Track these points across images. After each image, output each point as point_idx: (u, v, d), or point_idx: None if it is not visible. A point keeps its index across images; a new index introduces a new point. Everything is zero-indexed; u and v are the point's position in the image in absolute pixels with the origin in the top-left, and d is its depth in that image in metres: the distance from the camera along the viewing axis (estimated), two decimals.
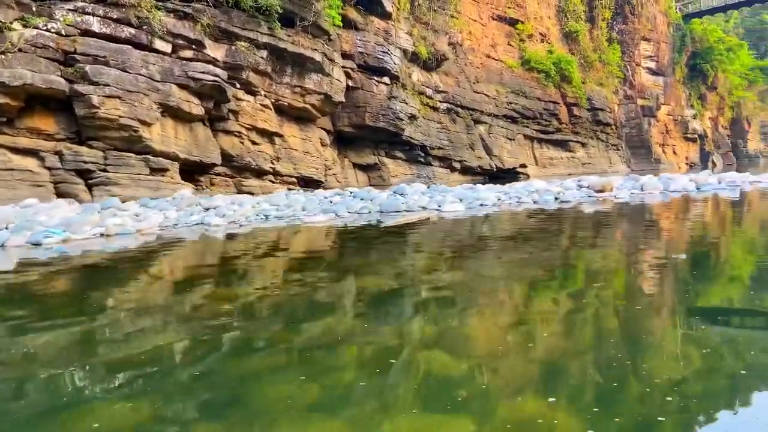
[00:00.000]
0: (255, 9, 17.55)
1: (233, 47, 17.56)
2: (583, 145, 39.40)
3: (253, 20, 17.84)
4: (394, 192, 15.24)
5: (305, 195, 16.32)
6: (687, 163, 55.09)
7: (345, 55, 23.23)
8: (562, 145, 37.91)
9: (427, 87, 28.11)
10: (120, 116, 14.64)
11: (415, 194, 13.81)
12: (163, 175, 15.91)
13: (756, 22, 74.97)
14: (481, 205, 11.45)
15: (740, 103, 65.61)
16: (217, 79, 16.55)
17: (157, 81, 15.49)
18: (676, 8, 50.78)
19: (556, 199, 10.25)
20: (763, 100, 74.90)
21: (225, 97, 17.24)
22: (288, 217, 12.26)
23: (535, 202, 10.18)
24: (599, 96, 39.81)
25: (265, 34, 18.21)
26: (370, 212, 12.77)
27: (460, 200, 11.42)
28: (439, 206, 11.53)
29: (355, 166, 25.90)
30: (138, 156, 15.38)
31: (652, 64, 47.86)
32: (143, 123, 15.17)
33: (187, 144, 16.98)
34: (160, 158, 15.80)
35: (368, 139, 25.70)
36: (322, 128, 23.54)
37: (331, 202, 14.54)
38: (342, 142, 25.28)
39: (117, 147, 15.05)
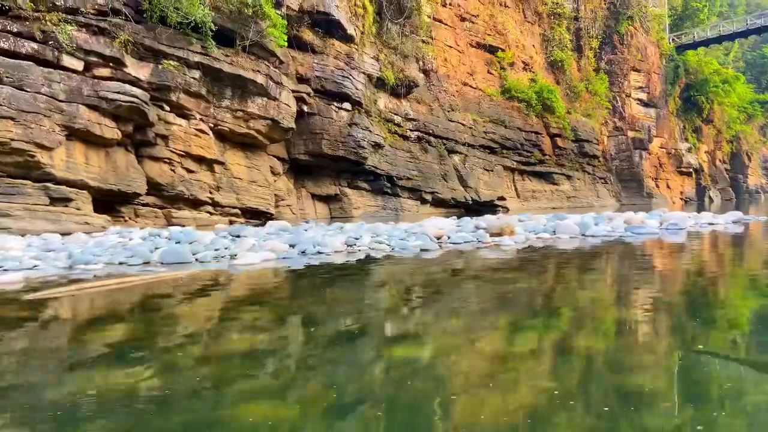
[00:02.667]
0: (185, 25, 16.09)
1: (159, 66, 16.07)
2: (569, 177, 37.79)
3: (183, 38, 16.39)
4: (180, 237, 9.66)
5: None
6: (682, 198, 53.35)
7: (300, 79, 21.80)
8: (546, 177, 36.30)
9: (395, 114, 26.65)
10: (12, 139, 13.05)
11: (208, 238, 9.10)
12: (66, 206, 14.23)
13: (757, 56, 73.86)
14: (319, 252, 7.71)
15: (740, 137, 64.10)
16: (134, 99, 15.00)
17: (62, 101, 13.95)
18: (668, 39, 49.66)
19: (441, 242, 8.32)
20: (765, 135, 73.55)
21: (146, 119, 15.67)
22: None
23: (403, 249, 7.20)
24: (585, 127, 38.34)
25: (197, 52, 16.74)
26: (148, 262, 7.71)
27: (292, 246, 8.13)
28: (234, 256, 7.68)
29: (314, 197, 24.28)
30: (36, 184, 13.73)
31: (642, 96, 46.49)
32: (42, 147, 13.57)
33: (102, 171, 15.35)
34: (63, 187, 14.15)
35: (328, 168, 24.13)
36: (274, 156, 21.97)
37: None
38: (299, 171, 23.69)
39: (10, 174, 13.42)
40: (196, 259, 7.44)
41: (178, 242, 8.58)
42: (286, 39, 18.66)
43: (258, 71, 18.32)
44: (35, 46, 13.72)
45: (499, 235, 7.68)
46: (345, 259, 6.97)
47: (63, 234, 13.32)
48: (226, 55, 17.51)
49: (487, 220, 8.63)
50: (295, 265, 6.86)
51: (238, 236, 10.15)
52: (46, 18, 13.84)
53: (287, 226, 12.19)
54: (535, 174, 35.70)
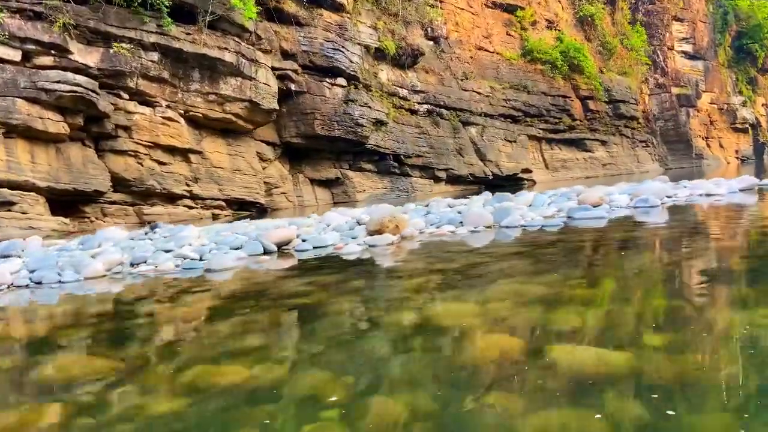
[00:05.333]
0: (137, 4, 14.55)
1: (110, 50, 14.61)
2: (603, 143, 34.74)
3: (135, 17, 14.86)
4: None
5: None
6: (738, 157, 48.99)
7: (286, 55, 20.03)
8: (577, 144, 33.43)
9: (400, 87, 24.54)
10: None
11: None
12: (9, 210, 13.05)
13: None
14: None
15: None
16: (76, 89, 13.61)
17: None
18: None
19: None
20: None
21: (97, 110, 14.28)
22: None
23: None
24: (621, 86, 35.06)
25: (152, 32, 15.21)
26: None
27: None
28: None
29: (313, 182, 22.59)
30: None
31: (688, 47, 42.50)
32: None
33: (52, 170, 14.11)
34: (4, 189, 12.95)
35: (327, 151, 22.36)
36: (262, 141, 20.38)
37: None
38: (294, 155, 22.03)
39: None
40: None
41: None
42: (255, 11, 16.83)
43: (226, 49, 16.65)
44: None
45: (379, 232, 5.75)
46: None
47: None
48: (187, 33, 15.90)
49: (373, 213, 6.71)
50: None
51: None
52: None
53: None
54: (565, 142, 32.89)
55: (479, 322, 2.98)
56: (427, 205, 8.38)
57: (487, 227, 6.05)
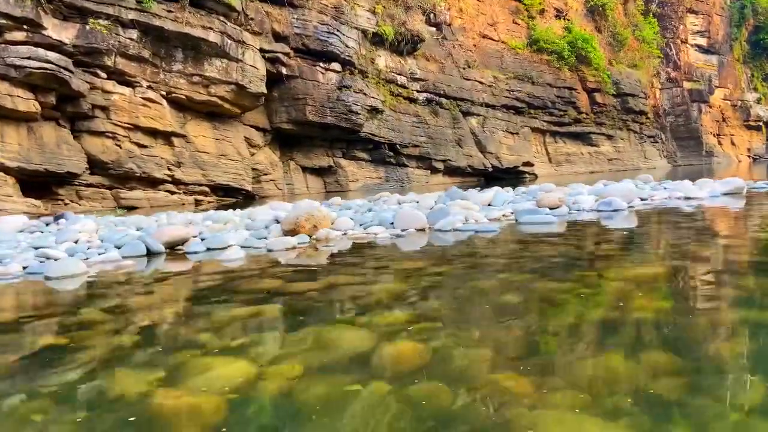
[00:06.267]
0: None
1: (86, 27, 13.99)
2: (610, 137, 33.82)
3: None
4: None
5: None
6: (750, 156, 47.78)
7: (278, 37, 19.33)
8: (583, 138, 32.54)
9: (398, 74, 23.79)
10: None
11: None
12: None
13: None
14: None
15: None
16: (46, 65, 13.01)
17: None
18: None
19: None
20: None
21: (69, 88, 13.68)
22: None
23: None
24: (630, 79, 34.03)
25: (131, 9, 14.56)
26: None
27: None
28: None
29: (305, 169, 21.95)
30: None
31: (702, 41, 41.26)
32: None
33: (23, 149, 13.56)
34: None
35: (319, 138, 21.70)
36: (252, 126, 19.75)
37: None
38: (286, 141, 21.38)
39: None
40: None
41: None
42: None
43: (210, 28, 15.98)
44: None
45: (294, 232, 5.06)
46: None
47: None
48: (169, 11, 15.23)
49: (289, 210, 5.98)
50: None
51: None
52: None
53: None
54: (570, 135, 32.00)
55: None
56: (383, 201, 7.66)
57: (419, 230, 5.35)
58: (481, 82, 27.07)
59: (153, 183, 16.55)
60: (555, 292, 2.80)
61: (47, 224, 7.71)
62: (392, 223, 5.29)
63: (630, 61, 35.42)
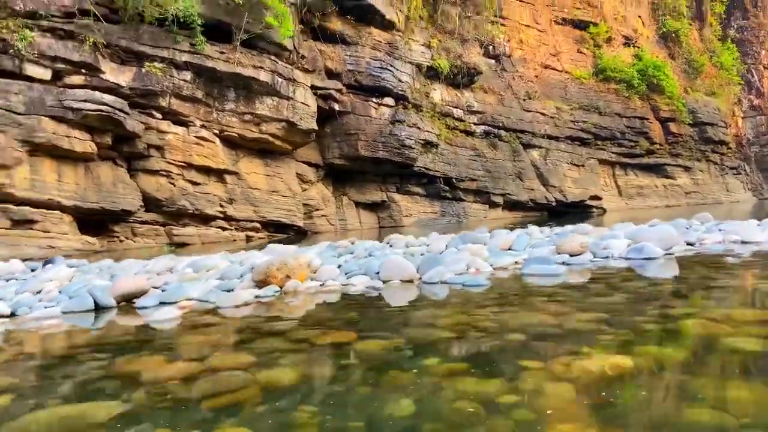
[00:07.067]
0: (170, 22, 14.39)
1: (142, 69, 14.51)
2: (687, 169, 31.77)
3: (168, 36, 14.71)
4: None
5: None
6: None
7: (331, 74, 19.47)
8: (656, 170, 30.73)
9: (454, 107, 23.41)
10: None
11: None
12: (30, 228, 13.04)
13: None
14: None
15: None
16: (102, 108, 13.51)
17: (20, 114, 12.75)
18: None
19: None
20: None
21: (124, 129, 14.16)
22: None
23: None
24: (708, 108, 32.03)
25: (185, 51, 15.00)
26: None
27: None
28: None
29: (358, 204, 21.78)
30: None
31: None
32: None
33: (80, 189, 14.07)
34: (26, 207, 12.97)
35: (372, 173, 21.53)
36: (304, 162, 19.84)
37: None
38: (339, 177, 21.34)
39: None
40: None
41: None
42: (291, 30, 16.34)
43: (261, 68, 16.22)
44: None
45: (265, 283, 4.54)
46: None
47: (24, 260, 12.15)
48: (221, 52, 15.60)
49: (274, 255, 5.37)
50: None
51: None
52: (4, 24, 12.68)
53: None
54: (642, 167, 30.32)
55: None
56: (389, 244, 7.07)
57: (406, 281, 4.76)
58: (542, 114, 26.21)
59: (205, 220, 16.79)
60: (469, 399, 2.08)
61: (33, 270, 7.34)
62: (377, 273, 4.79)
63: (708, 89, 33.42)
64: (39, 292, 4.91)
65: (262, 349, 2.91)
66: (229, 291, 4.54)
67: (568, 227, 7.82)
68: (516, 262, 5.21)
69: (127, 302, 4.37)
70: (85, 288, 4.51)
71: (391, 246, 6.91)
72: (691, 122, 31.01)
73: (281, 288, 4.54)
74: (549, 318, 3.17)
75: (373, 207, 22.02)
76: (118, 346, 3.28)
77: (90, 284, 4.72)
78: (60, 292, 4.72)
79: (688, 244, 6.05)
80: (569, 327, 2.97)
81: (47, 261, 8.60)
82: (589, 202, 27.02)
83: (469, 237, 6.73)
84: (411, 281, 4.66)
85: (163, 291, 4.60)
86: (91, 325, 3.91)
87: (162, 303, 4.22)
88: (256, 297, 4.29)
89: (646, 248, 5.21)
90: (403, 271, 4.72)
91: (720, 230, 6.86)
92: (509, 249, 6.10)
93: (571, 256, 5.37)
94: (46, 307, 4.26)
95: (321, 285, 4.71)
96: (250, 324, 3.62)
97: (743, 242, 6.12)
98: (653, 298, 3.60)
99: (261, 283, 4.61)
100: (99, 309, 4.17)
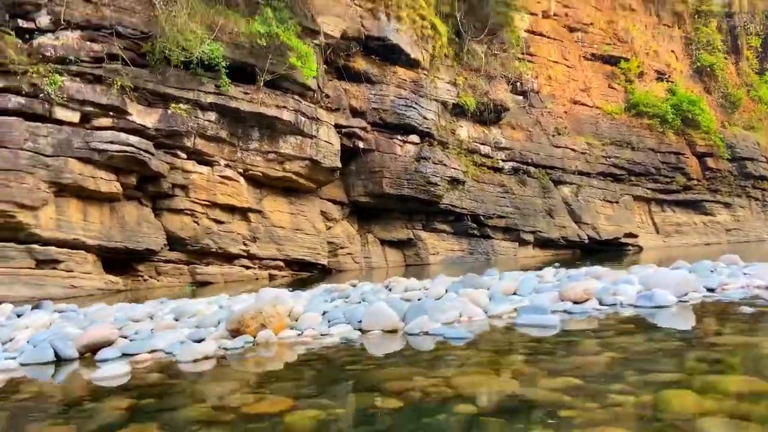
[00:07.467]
0: (195, 65, 14.69)
1: (168, 111, 14.78)
2: (727, 205, 30.61)
3: (194, 78, 15.00)
4: None
5: None
6: None
7: (355, 113, 19.56)
8: (695, 206, 29.69)
9: (482, 144, 23.19)
10: None
11: None
12: (54, 268, 13.18)
13: None
14: None
15: None
16: (127, 149, 13.74)
17: (48, 155, 13.05)
18: None
19: None
20: None
21: (149, 169, 14.35)
22: None
23: None
24: (747, 142, 31.03)
25: (210, 93, 15.25)
26: None
27: None
28: None
29: (384, 242, 21.55)
30: (20, 246, 12.85)
31: None
32: (23, 207, 12.68)
33: (104, 228, 14.24)
34: (51, 247, 13.14)
35: (398, 210, 21.34)
36: (329, 200, 19.81)
37: None
38: (364, 214, 21.21)
39: None
40: None
41: None
42: (314, 69, 16.50)
43: (284, 107, 16.37)
44: (22, 100, 13.02)
45: (238, 332, 4.24)
46: None
47: (46, 299, 12.26)
48: (245, 93, 15.81)
49: (257, 300, 5.02)
50: None
51: None
52: (35, 70, 13.11)
53: None
54: (680, 203, 29.33)
55: None
56: (388, 288, 6.70)
57: (389, 331, 4.40)
58: (573, 149, 25.74)
59: (228, 258, 16.77)
60: None
61: (19, 315, 7.15)
62: (360, 321, 4.48)
63: (746, 123, 32.45)
64: (10, 340, 4.77)
65: (172, 422, 2.63)
66: (199, 341, 4.31)
67: (583, 269, 7.36)
68: (515, 309, 4.83)
69: (93, 353, 4.17)
70: (51, 338, 4.33)
71: (390, 290, 6.60)
72: (729, 157, 30.02)
73: (254, 338, 4.28)
74: (513, 384, 2.81)
75: (398, 245, 21.75)
76: (24, 410, 3.05)
77: (60, 333, 4.54)
78: (28, 341, 4.57)
79: (709, 290, 5.55)
80: (529, 397, 2.61)
81: (35, 305, 8.46)
82: (624, 240, 26.17)
83: (470, 281, 6.38)
84: (394, 331, 4.34)
85: (131, 341, 4.39)
86: (43, 379, 3.70)
87: (125, 354, 4.01)
88: (225, 349, 4.03)
89: (657, 295, 4.78)
90: (386, 321, 4.40)
91: (745, 274, 6.33)
92: (514, 294, 5.73)
93: (574, 303, 4.98)
94: (6, 359, 4.10)
95: (299, 335, 4.43)
96: (189, 385, 3.35)
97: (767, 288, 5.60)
98: (642, 359, 3.19)
99: (234, 333, 4.36)
100: (61, 361, 3.99)
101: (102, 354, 4.09)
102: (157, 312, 5.79)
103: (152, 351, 4.08)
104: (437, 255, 21.72)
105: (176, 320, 5.27)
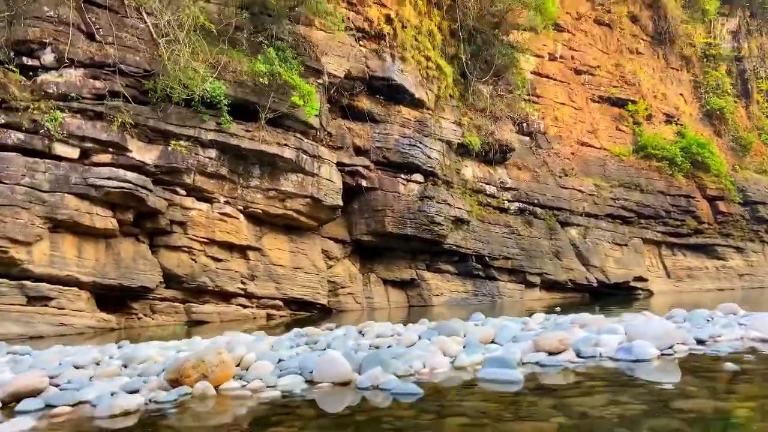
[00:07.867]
0: (197, 102, 14.73)
1: (168, 148, 14.76)
2: (740, 250, 29.98)
3: (195, 115, 15.03)
4: None
5: None
6: None
7: (359, 151, 19.48)
8: (707, 251, 29.09)
9: (487, 184, 22.97)
10: None
11: None
12: (45, 305, 12.96)
13: None
14: None
15: None
16: (124, 185, 13.66)
17: (45, 191, 12.99)
18: None
19: None
20: None
21: (145, 205, 14.23)
22: None
23: None
24: (758, 186, 30.58)
25: (211, 130, 15.24)
26: None
27: None
28: None
29: (386, 282, 21.17)
30: (12, 282, 12.68)
31: None
32: (16, 242, 12.57)
33: (99, 264, 14.06)
34: (43, 284, 12.94)
35: (401, 249, 21.03)
36: (330, 238, 19.57)
37: None
38: (366, 253, 20.92)
39: None
40: None
41: None
42: (317, 108, 16.50)
43: (286, 145, 16.32)
44: (22, 136, 13.05)
45: (177, 383, 3.93)
46: None
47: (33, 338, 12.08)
48: (247, 130, 15.80)
49: (193, 349, 4.76)
50: None
51: None
52: (36, 106, 13.18)
53: None
54: (691, 247, 28.76)
55: None
56: (361, 333, 6.33)
57: (340, 384, 4.06)
58: (580, 191, 25.43)
59: (225, 297, 16.49)
60: None
61: None
62: (311, 372, 4.14)
63: (758, 167, 32.07)
64: None
65: None
66: (134, 392, 4.00)
67: (571, 316, 7.00)
68: (466, 366, 4.47)
69: (18, 402, 3.89)
70: None
71: (363, 335, 6.27)
72: (741, 201, 29.54)
73: (192, 390, 3.97)
74: None
75: (401, 285, 21.36)
76: None
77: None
78: None
79: (699, 341, 5.16)
80: None
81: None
82: (633, 284, 25.59)
83: (446, 327, 6.04)
84: (347, 383, 4.00)
85: (61, 390, 4.10)
86: None
87: (48, 406, 3.72)
88: (156, 402, 3.72)
89: (636, 348, 4.44)
90: (338, 372, 4.08)
91: (741, 325, 5.93)
92: (492, 342, 5.37)
93: (549, 354, 4.63)
94: None
95: (243, 386, 4.11)
96: None
97: (763, 340, 5.19)
98: (593, 427, 2.82)
99: (174, 383, 4.06)
100: None
101: (23, 405, 3.81)
102: (103, 357, 5.49)
103: (78, 403, 3.79)
104: (441, 296, 21.29)
105: (125, 366, 4.98)
